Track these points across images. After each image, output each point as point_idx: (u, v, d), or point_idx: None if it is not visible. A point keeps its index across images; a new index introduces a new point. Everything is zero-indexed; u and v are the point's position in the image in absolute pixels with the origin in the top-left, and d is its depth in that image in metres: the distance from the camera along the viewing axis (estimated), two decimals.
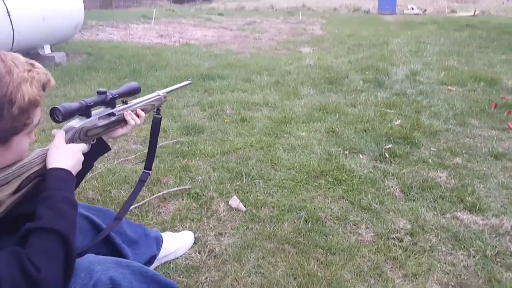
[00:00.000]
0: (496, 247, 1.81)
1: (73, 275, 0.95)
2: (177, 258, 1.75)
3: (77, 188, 1.31)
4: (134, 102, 1.34)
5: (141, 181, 1.51)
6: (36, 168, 0.99)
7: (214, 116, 3.57)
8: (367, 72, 5.35)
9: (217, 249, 1.82)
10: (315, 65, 5.85)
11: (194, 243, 1.86)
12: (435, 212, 2.10)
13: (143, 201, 2.16)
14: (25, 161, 0.98)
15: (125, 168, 2.59)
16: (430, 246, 1.82)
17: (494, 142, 3.02)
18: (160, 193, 2.25)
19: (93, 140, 1.21)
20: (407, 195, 2.28)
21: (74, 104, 1.08)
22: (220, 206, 2.15)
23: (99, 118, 1.19)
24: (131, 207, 2.05)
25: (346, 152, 2.83)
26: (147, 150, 1.55)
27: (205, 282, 1.62)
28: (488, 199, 2.24)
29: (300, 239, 1.88)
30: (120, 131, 1.29)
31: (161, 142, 2.93)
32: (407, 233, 1.92)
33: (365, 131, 3.22)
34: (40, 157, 1.02)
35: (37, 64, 0.96)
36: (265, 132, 3.18)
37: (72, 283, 0.96)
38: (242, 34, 10.34)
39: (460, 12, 18.98)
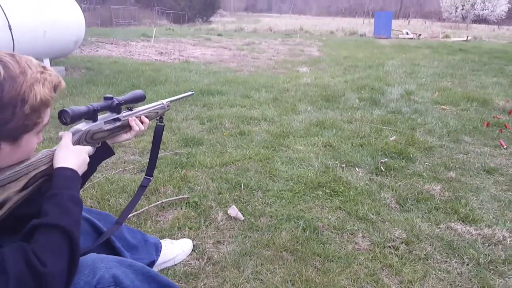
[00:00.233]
0: (489, 255, 1.86)
1: (77, 272, 0.96)
2: (175, 264, 1.77)
3: (81, 190, 1.34)
4: (139, 109, 1.39)
5: (142, 187, 1.54)
6: (43, 168, 1.02)
7: (213, 130, 3.63)
8: (363, 91, 5.46)
9: (215, 256, 1.84)
10: (312, 83, 5.96)
11: (193, 250, 1.87)
12: (430, 223, 2.15)
13: (142, 210, 2.18)
14: (33, 160, 1.01)
15: (123, 178, 2.61)
16: (425, 254, 1.86)
17: (487, 158, 3.11)
18: (159, 202, 2.27)
19: (98, 144, 1.24)
20: (402, 206, 2.33)
21: (82, 108, 1.13)
22: (218, 215, 2.17)
23: (105, 123, 1.23)
24: (129, 215, 2.07)
25: (343, 165, 2.89)
26: (147, 159, 1.58)
27: None
28: (481, 210, 2.30)
29: (298, 247, 1.90)
30: (124, 136, 1.32)
31: (159, 154, 2.96)
32: (402, 242, 1.96)
33: (361, 146, 3.28)
34: (47, 157, 1.05)
35: (48, 67, 1.00)
36: (264, 145, 3.23)
37: (76, 279, 0.98)
38: (241, 53, 10.51)
39: (454, 38, 19.43)
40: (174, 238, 1.94)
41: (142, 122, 1.36)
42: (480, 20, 44.91)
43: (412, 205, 2.34)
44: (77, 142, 1.14)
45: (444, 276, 1.72)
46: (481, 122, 4.06)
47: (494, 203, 2.40)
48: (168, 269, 1.74)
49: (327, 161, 2.94)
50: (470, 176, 2.79)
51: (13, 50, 5.07)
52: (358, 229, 2.07)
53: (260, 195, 2.41)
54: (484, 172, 2.85)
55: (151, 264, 1.66)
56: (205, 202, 2.30)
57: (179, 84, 5.61)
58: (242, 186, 2.49)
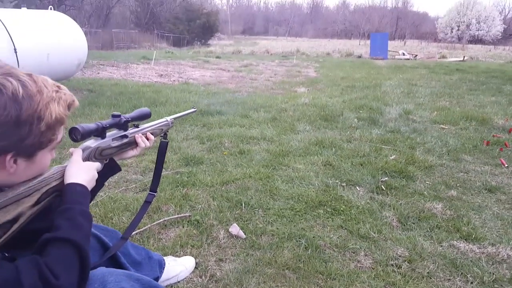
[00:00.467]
0: (493, 274, 1.85)
1: (87, 285, 0.98)
2: (178, 281, 1.77)
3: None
4: (145, 126, 1.42)
5: (147, 202, 1.56)
6: (54, 183, 1.05)
7: (213, 149, 3.65)
8: (361, 111, 5.51)
9: (218, 273, 1.83)
10: (310, 103, 6.01)
11: (195, 268, 1.87)
12: (432, 241, 2.14)
13: (144, 228, 2.18)
14: (45, 175, 1.04)
15: (126, 197, 2.61)
16: (428, 272, 1.85)
17: (488, 177, 3.11)
18: (161, 220, 2.27)
19: (106, 160, 1.27)
20: (404, 224, 2.32)
21: (92, 125, 1.16)
22: (220, 233, 2.17)
23: (113, 139, 1.25)
24: (132, 233, 2.07)
25: (344, 184, 2.89)
26: (148, 178, 1.60)
27: None
28: (484, 229, 2.29)
29: (300, 265, 1.89)
30: (131, 152, 1.35)
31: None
32: (405, 260, 1.95)
33: (361, 165, 3.29)
34: (59, 173, 1.07)
35: (62, 86, 1.04)
36: (263, 164, 3.25)
37: None
38: (239, 75, 10.64)
39: (450, 58, 19.72)
40: (176, 256, 1.93)
41: (147, 139, 1.39)
42: (476, 40, 45.73)
43: (413, 223, 2.34)
44: (86, 159, 1.16)
45: None
46: (480, 141, 4.08)
47: (497, 222, 2.39)
48: (172, 286, 1.74)
49: (327, 180, 2.95)
50: (472, 195, 2.79)
51: None
52: (360, 248, 2.06)
53: (261, 213, 2.41)
54: (486, 191, 2.85)
55: (155, 280, 1.65)
56: (207, 220, 2.30)
57: (179, 105, 5.66)
58: (243, 205, 2.50)
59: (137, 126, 1.37)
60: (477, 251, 2.05)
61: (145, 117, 1.38)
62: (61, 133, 1.03)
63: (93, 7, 31.06)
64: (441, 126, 4.79)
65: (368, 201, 2.62)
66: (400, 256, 1.99)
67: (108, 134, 1.25)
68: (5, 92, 0.87)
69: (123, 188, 2.76)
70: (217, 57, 16.71)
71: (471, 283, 1.79)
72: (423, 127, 4.69)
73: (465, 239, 2.16)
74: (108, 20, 31.70)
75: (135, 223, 1.45)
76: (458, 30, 49.19)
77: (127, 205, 2.46)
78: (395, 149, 3.78)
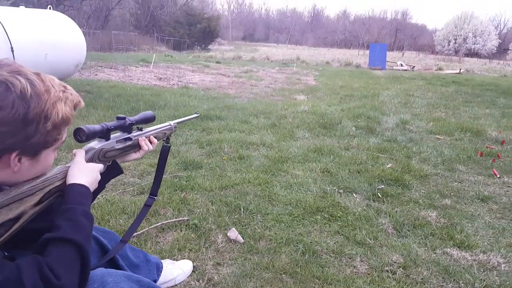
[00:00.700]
0: (484, 280, 1.89)
1: (87, 285, 0.99)
2: (176, 285, 1.78)
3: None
4: (149, 129, 1.43)
5: (147, 206, 1.56)
6: (57, 183, 1.05)
7: (212, 154, 3.68)
8: (359, 120, 5.57)
9: (215, 277, 1.85)
10: (309, 111, 6.07)
11: (193, 271, 1.89)
12: (426, 248, 2.18)
13: (142, 231, 2.20)
14: (48, 175, 1.04)
15: (123, 199, 2.63)
16: (422, 279, 1.89)
17: (481, 186, 3.17)
18: (159, 224, 2.29)
19: (108, 162, 1.28)
20: (399, 231, 2.36)
21: (97, 126, 1.17)
22: (218, 237, 2.19)
23: (117, 142, 1.26)
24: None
25: (341, 191, 2.93)
26: (146, 182, 1.62)
27: None
28: (476, 237, 2.34)
29: (297, 270, 1.92)
30: (133, 155, 1.36)
31: None
32: (400, 266, 1.99)
33: (359, 172, 3.34)
34: (62, 173, 1.08)
35: (68, 86, 1.05)
36: (262, 169, 3.28)
37: None
38: (239, 80, 10.70)
39: (447, 70, 19.90)
40: (174, 259, 1.95)
41: (151, 142, 1.41)
42: (472, 54, 46.17)
43: (408, 230, 2.38)
44: (90, 160, 1.17)
45: None
46: (474, 151, 4.15)
47: (488, 230, 2.45)
48: None
49: (325, 186, 2.99)
50: (465, 204, 2.84)
51: None
52: (356, 253, 2.09)
53: (260, 218, 2.44)
54: (479, 200, 2.91)
55: None
56: (205, 224, 2.32)
57: (178, 109, 5.69)
58: (242, 209, 2.53)
59: (140, 129, 1.38)
60: (469, 258, 2.10)
61: (149, 120, 1.40)
62: (66, 133, 1.04)
63: (92, 8, 31.08)
64: (437, 136, 4.85)
65: (364, 208, 2.66)
66: (395, 262, 2.03)
67: (112, 136, 1.25)
68: (14, 90, 0.87)
69: (120, 190, 2.78)
70: (217, 62, 16.79)
71: None
72: (419, 137, 4.75)
73: (458, 247, 2.21)
74: (107, 21, 31.71)
75: (135, 226, 1.46)
76: (455, 43, 49.69)
77: (124, 208, 2.48)
78: (391, 157, 3.83)
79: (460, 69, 19.53)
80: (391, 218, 2.52)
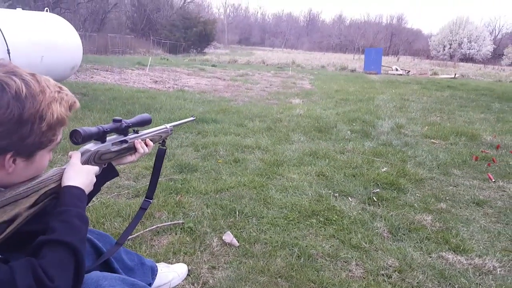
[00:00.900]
0: (480, 284, 1.90)
1: None
2: None
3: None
4: (145, 132, 1.43)
5: (142, 209, 1.55)
6: (52, 185, 1.04)
7: (208, 157, 3.67)
8: (354, 124, 5.58)
9: (210, 281, 1.84)
10: (305, 115, 6.08)
11: (188, 275, 1.88)
12: (422, 252, 2.18)
13: (136, 234, 2.19)
14: (43, 177, 1.03)
15: (118, 202, 2.61)
16: (417, 282, 1.89)
17: (476, 191, 3.18)
18: (154, 227, 2.28)
19: (104, 164, 1.27)
20: (394, 235, 2.36)
21: (93, 129, 1.16)
22: (213, 241, 2.18)
23: (112, 144, 1.26)
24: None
25: (336, 194, 2.93)
26: (141, 184, 1.61)
27: None
28: (471, 241, 2.34)
29: (292, 273, 1.92)
30: (129, 158, 1.36)
31: None
32: (395, 270, 1.99)
33: (354, 176, 3.34)
34: (57, 175, 1.07)
35: (64, 87, 1.04)
36: (258, 173, 3.28)
37: None
38: (234, 84, 10.70)
39: (442, 75, 20.03)
40: (169, 263, 1.94)
41: (146, 145, 1.40)
42: (467, 58, 46.55)
43: (404, 234, 2.38)
44: (85, 162, 1.17)
45: None
46: (470, 156, 4.16)
47: (484, 234, 2.45)
48: None
49: (320, 190, 2.99)
50: (460, 208, 2.85)
51: None
52: (352, 257, 2.09)
53: (255, 222, 2.43)
54: (474, 204, 2.92)
55: None
56: (200, 227, 2.31)
57: (174, 112, 5.68)
58: (237, 213, 2.52)
59: (136, 132, 1.38)
60: (465, 262, 2.10)
61: (146, 123, 1.39)
62: (61, 134, 1.03)
63: (88, 11, 31.04)
64: (432, 140, 4.87)
65: (360, 211, 2.66)
66: (390, 266, 2.02)
67: (108, 138, 1.25)
68: (9, 90, 0.87)
69: (115, 193, 2.76)
70: (213, 66, 16.79)
71: None
72: (415, 141, 4.77)
73: (454, 251, 2.22)
74: (103, 24, 31.66)
75: (130, 229, 1.45)
76: (450, 48, 50.07)
77: (119, 210, 2.46)
78: (386, 161, 3.84)
79: (455, 74, 19.66)
80: (387, 222, 2.52)
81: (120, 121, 1.27)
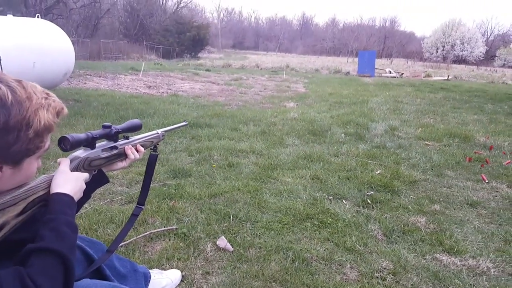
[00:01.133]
0: (474, 285, 1.90)
1: None
2: None
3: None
4: (135, 138, 1.41)
5: (134, 215, 1.53)
6: (41, 193, 1.03)
7: (202, 161, 3.66)
8: (348, 127, 5.60)
9: (204, 287, 1.83)
10: (299, 118, 6.08)
11: (182, 281, 1.86)
12: (416, 254, 2.18)
13: (130, 240, 2.17)
14: (32, 185, 1.02)
15: (111, 209, 2.59)
16: (412, 285, 1.89)
17: (469, 192, 3.20)
18: (147, 233, 2.26)
19: (94, 171, 1.26)
20: (389, 238, 2.36)
21: (82, 135, 1.14)
22: (207, 246, 2.17)
23: (102, 150, 1.24)
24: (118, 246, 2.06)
25: (331, 197, 2.93)
26: (134, 191, 1.59)
27: None
28: (465, 242, 2.35)
29: (287, 277, 1.91)
30: (120, 164, 1.34)
31: None
32: (389, 273, 1.98)
33: (348, 179, 3.34)
34: (45, 182, 1.05)
35: (51, 93, 1.03)
36: (252, 177, 3.27)
37: None
38: (229, 88, 10.71)
39: (435, 77, 20.17)
40: (162, 269, 1.92)
41: (137, 151, 1.39)
42: (460, 60, 46.93)
43: (398, 236, 2.38)
44: (75, 169, 1.15)
45: None
46: (463, 157, 4.19)
47: (477, 235, 2.46)
48: None
49: (315, 193, 2.98)
50: (454, 209, 2.86)
51: None
52: (346, 260, 2.09)
53: (249, 226, 2.42)
54: (468, 205, 2.93)
55: None
56: (194, 233, 2.29)
57: (167, 117, 5.66)
58: (231, 217, 2.51)
59: (127, 138, 1.36)
60: (459, 263, 2.10)
61: (136, 128, 1.38)
62: (49, 141, 1.02)
63: (81, 17, 30.97)
64: (426, 142, 4.90)
65: (354, 214, 2.66)
66: (385, 268, 2.02)
67: (97, 144, 1.23)
68: None
69: (108, 200, 2.74)
70: (207, 70, 16.80)
71: None
72: (408, 143, 4.78)
73: (448, 252, 2.22)
74: (96, 30, 31.58)
75: (122, 236, 1.43)
76: (443, 50, 50.50)
77: (112, 217, 2.45)
78: (380, 164, 3.84)
79: (448, 76, 19.82)
80: (381, 224, 2.52)
81: (109, 127, 1.26)
